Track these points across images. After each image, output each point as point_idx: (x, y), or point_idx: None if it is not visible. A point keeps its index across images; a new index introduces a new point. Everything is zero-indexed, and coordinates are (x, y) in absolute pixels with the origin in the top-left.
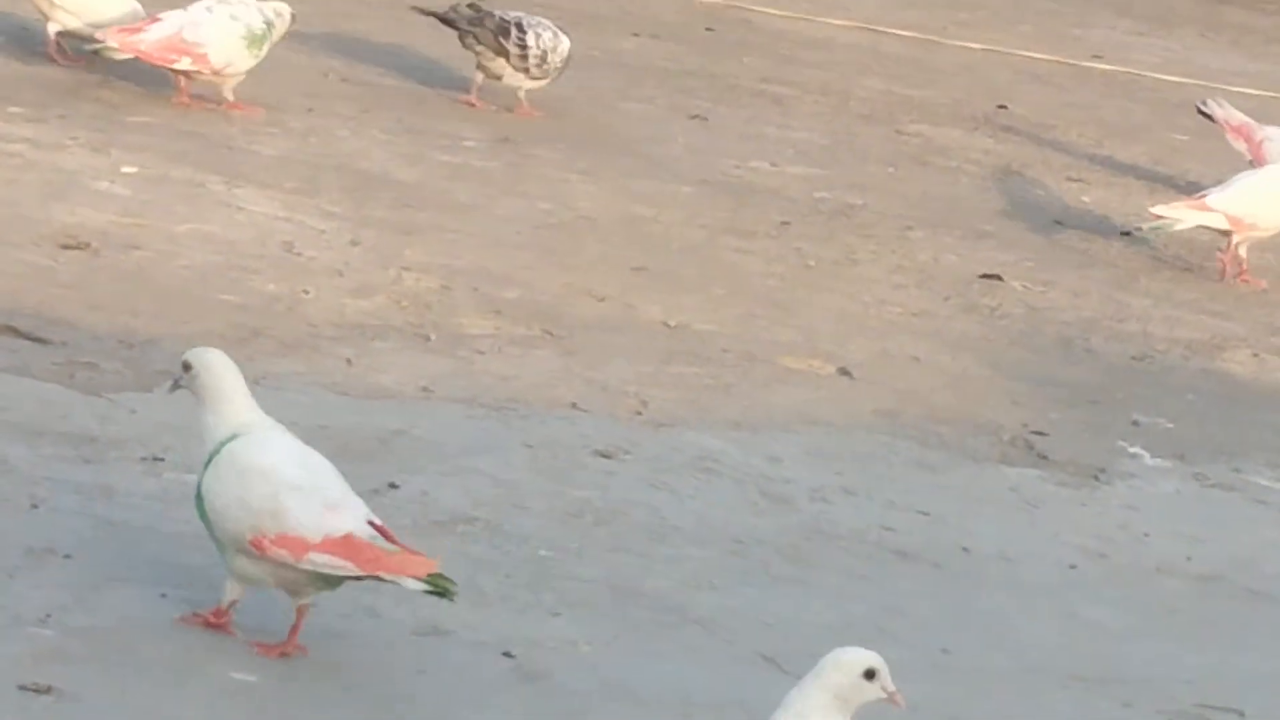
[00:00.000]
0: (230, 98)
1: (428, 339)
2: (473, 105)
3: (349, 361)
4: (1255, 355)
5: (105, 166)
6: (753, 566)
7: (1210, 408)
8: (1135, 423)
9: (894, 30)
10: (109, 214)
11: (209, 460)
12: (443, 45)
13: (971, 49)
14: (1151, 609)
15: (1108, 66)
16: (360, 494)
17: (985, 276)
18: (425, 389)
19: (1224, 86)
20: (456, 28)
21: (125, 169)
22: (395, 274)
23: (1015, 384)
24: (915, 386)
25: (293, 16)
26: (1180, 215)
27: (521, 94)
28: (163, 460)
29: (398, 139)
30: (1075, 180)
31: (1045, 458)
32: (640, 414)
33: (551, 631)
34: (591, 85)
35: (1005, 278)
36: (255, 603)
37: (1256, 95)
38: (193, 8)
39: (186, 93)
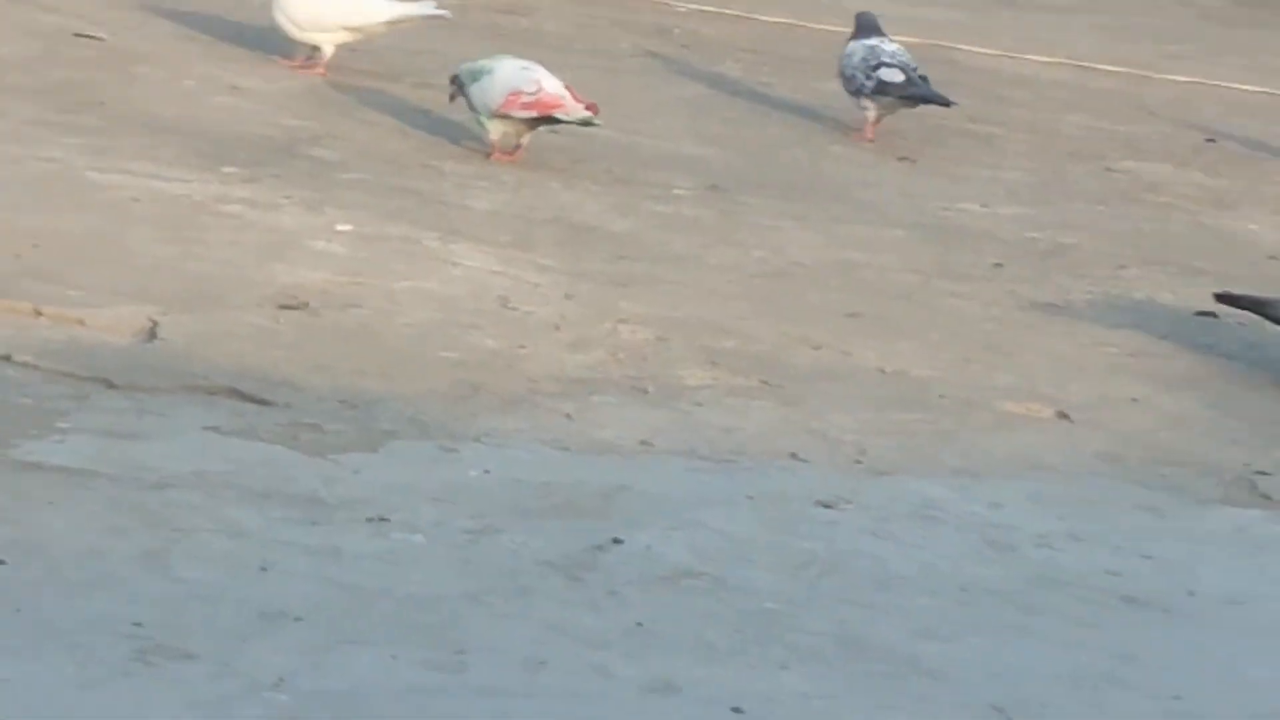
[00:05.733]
0: None
1: (646, 392)
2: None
3: (569, 416)
4: None
5: (321, 225)
6: (980, 615)
7: None
8: None
9: (1101, 66)
10: (327, 273)
11: None
12: (641, 89)
13: (1178, 82)
14: None
15: None
16: (584, 550)
17: (1201, 314)
18: (645, 442)
19: None
20: None
21: (340, 227)
22: (611, 327)
23: (1235, 423)
24: (1135, 428)
25: None
26: None
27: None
28: (389, 521)
29: (609, 190)
30: None
31: (1269, 498)
32: (860, 462)
33: (781, 685)
34: (799, 129)
35: (1221, 315)
36: None
37: None
38: None
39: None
